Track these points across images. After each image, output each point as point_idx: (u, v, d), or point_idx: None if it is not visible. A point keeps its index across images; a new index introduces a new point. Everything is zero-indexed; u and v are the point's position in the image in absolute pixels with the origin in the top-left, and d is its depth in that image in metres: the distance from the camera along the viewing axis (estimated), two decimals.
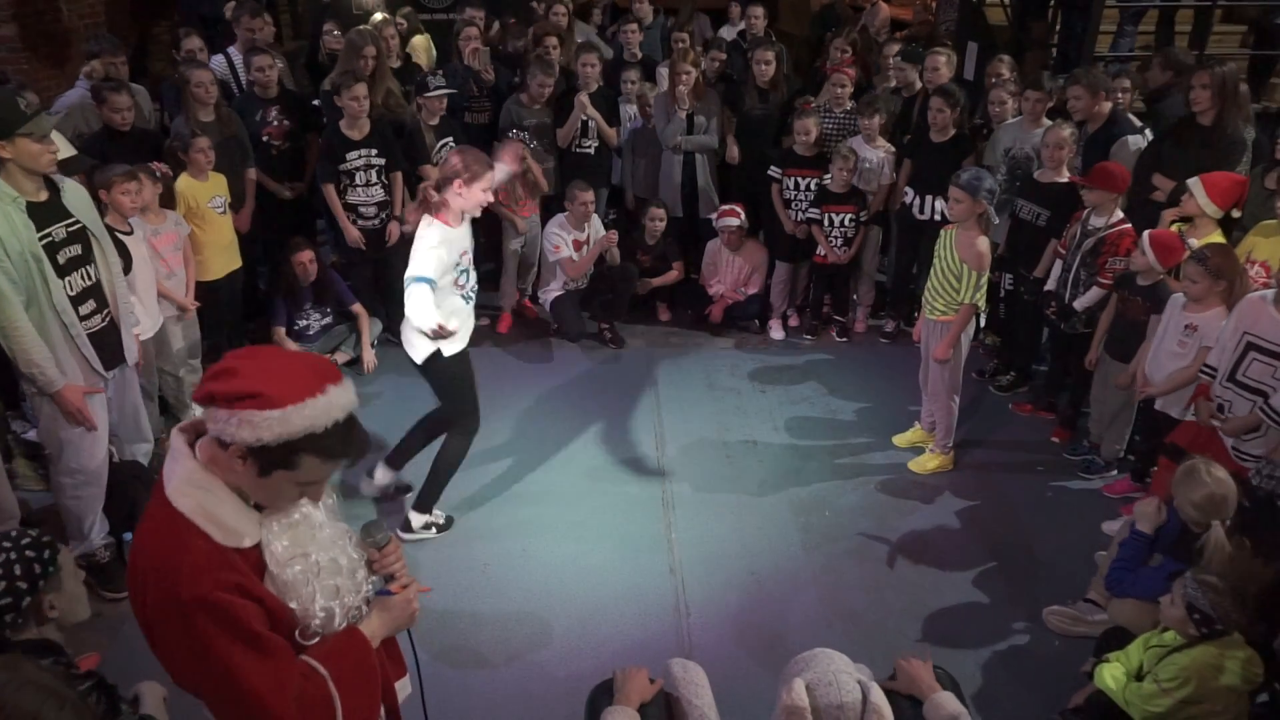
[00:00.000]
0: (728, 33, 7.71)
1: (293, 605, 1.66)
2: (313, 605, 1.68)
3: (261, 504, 1.69)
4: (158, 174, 4.54)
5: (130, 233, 4.22)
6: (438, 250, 3.45)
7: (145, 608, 1.60)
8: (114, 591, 3.64)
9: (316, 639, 1.71)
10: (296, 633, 1.68)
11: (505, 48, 6.68)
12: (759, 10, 6.88)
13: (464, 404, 3.91)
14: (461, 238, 3.61)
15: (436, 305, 3.48)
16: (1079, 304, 4.51)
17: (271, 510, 1.70)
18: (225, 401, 1.57)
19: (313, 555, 1.69)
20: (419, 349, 3.67)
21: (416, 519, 4.01)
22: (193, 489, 1.62)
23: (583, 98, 5.76)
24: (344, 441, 1.65)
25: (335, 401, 1.62)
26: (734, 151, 5.98)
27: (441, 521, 4.10)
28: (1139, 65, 6.18)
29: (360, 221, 5.35)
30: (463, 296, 3.70)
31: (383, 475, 4.14)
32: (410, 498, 4.10)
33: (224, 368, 1.62)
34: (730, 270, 6.04)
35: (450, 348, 3.68)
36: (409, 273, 3.45)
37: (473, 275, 3.76)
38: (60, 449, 3.48)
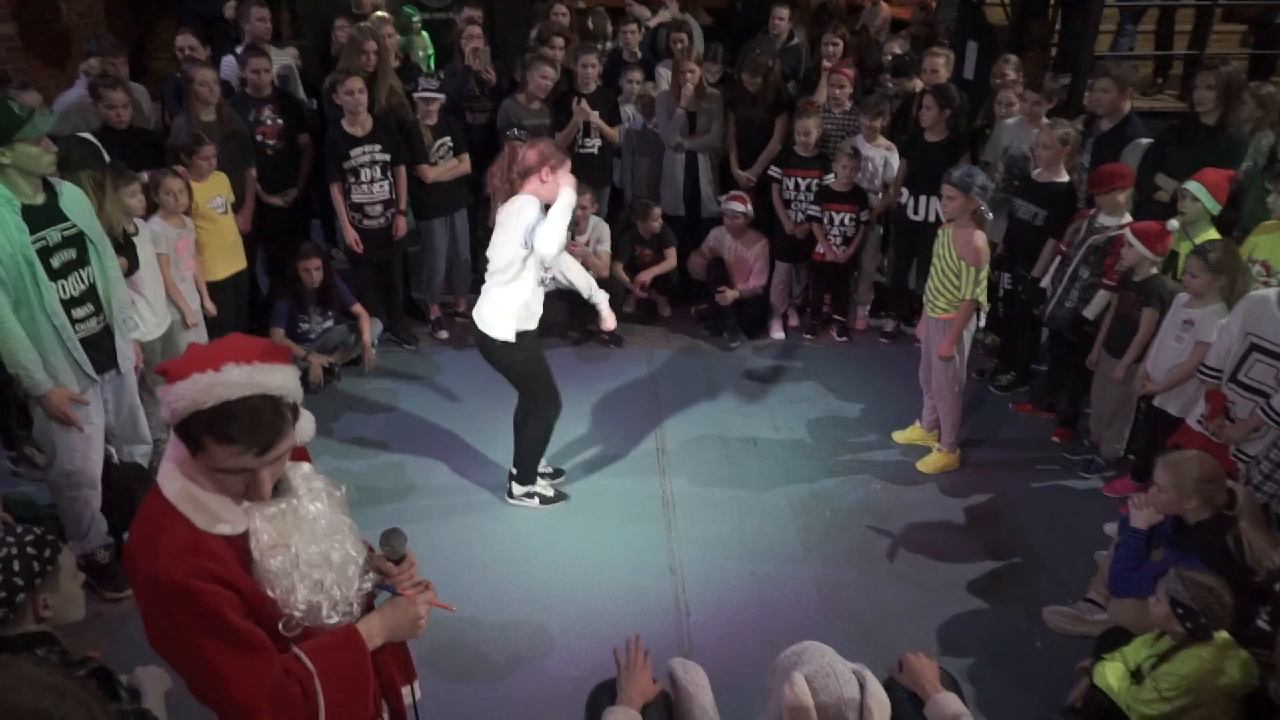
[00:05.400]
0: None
1: (273, 595, 1.65)
2: (291, 597, 1.66)
3: (226, 491, 1.65)
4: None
5: (135, 233, 4.22)
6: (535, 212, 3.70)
7: (135, 587, 1.64)
8: (114, 591, 3.64)
9: (299, 631, 1.70)
10: (280, 625, 1.67)
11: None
12: (784, 11, 6.85)
13: (541, 386, 4.11)
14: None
15: (517, 279, 3.78)
16: (1089, 312, 4.49)
17: (252, 499, 1.68)
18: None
19: (293, 548, 1.66)
20: (502, 328, 3.86)
21: (518, 489, 4.29)
22: (177, 474, 1.64)
23: (583, 105, 5.75)
24: (235, 424, 1.55)
25: (227, 379, 1.54)
26: (736, 169, 5.98)
27: (550, 494, 4.33)
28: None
29: (366, 221, 5.34)
30: (540, 280, 3.90)
31: (518, 489, 4.31)
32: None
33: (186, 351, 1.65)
34: (734, 254, 5.98)
35: (525, 325, 3.91)
36: (535, 235, 3.65)
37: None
38: (54, 450, 3.48)
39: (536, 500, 4.30)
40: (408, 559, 1.91)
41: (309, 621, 1.70)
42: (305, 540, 1.69)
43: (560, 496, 4.36)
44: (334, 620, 1.74)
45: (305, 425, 1.82)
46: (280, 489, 1.72)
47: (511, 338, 3.88)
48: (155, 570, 1.57)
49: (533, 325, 3.96)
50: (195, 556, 1.58)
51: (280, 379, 1.60)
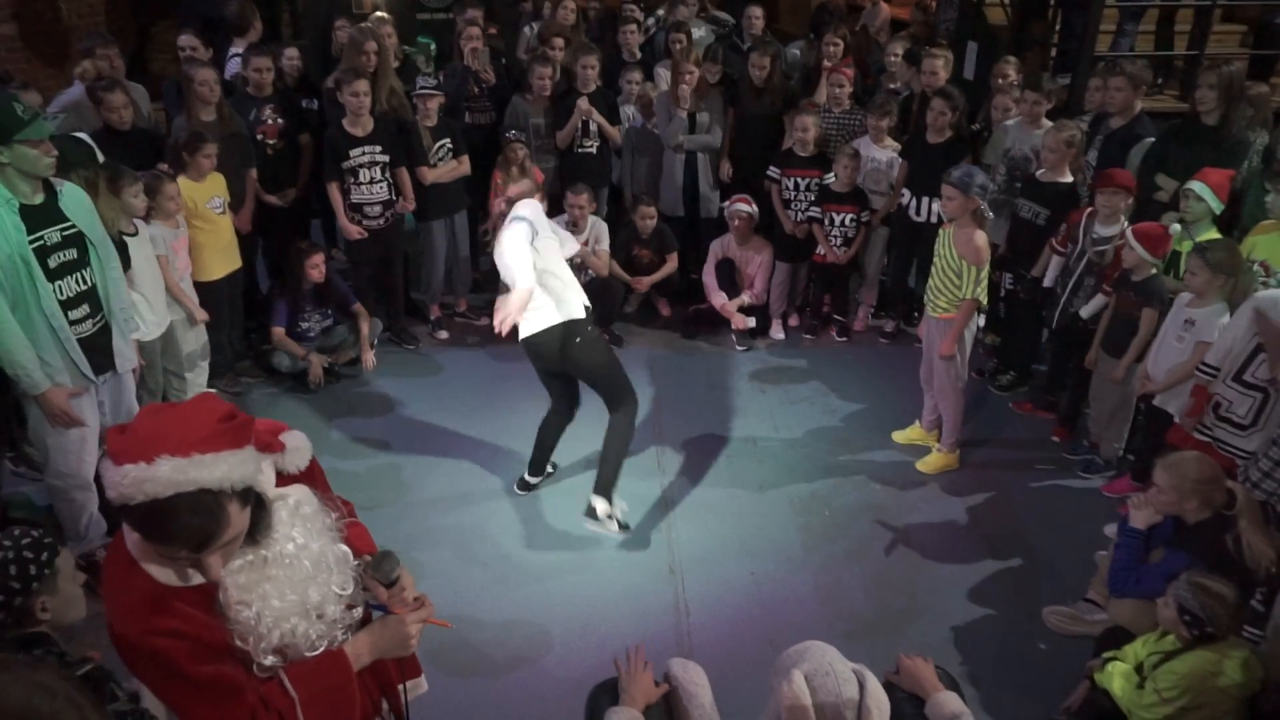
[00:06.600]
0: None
1: (243, 647, 1.62)
2: (262, 644, 1.62)
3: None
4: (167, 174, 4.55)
5: (135, 234, 4.22)
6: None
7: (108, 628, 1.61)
8: None
9: (274, 668, 1.67)
10: (254, 667, 1.64)
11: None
12: (757, 10, 6.87)
13: (619, 382, 4.05)
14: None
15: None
16: (1085, 312, 4.51)
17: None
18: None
19: (254, 605, 1.61)
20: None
21: (601, 506, 4.03)
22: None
23: (583, 103, 5.75)
24: (162, 525, 1.46)
25: (156, 476, 1.42)
26: (726, 168, 6.02)
27: (621, 518, 4.08)
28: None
29: (365, 221, 5.33)
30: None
31: (601, 507, 4.05)
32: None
33: (133, 420, 1.54)
34: (737, 260, 5.97)
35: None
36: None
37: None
38: (48, 452, 3.49)
39: (615, 525, 4.08)
40: (399, 583, 1.86)
41: (284, 661, 1.67)
42: (278, 587, 1.63)
43: (626, 527, 4.15)
44: (315, 652, 1.71)
45: (294, 458, 1.79)
46: (259, 528, 1.64)
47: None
48: (114, 624, 1.55)
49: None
50: (153, 615, 1.53)
51: (222, 471, 1.47)
